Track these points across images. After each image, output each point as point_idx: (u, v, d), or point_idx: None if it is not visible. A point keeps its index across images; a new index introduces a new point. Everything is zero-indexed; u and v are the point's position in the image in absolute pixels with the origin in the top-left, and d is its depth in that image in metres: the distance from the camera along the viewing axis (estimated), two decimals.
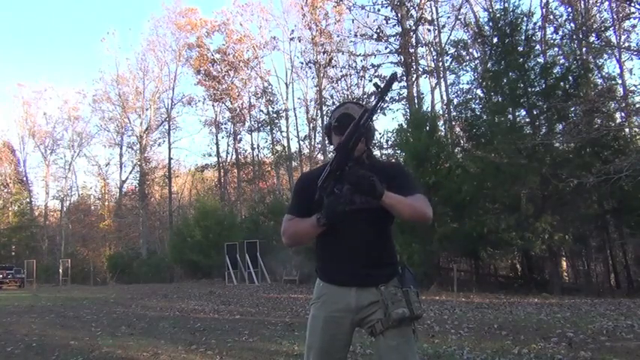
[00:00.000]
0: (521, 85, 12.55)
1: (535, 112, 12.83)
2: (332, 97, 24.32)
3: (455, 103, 17.14)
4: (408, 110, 16.64)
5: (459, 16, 19.89)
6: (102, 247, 33.46)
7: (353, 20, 22.11)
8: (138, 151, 31.11)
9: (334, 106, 2.02)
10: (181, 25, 29.64)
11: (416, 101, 18.30)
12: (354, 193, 1.65)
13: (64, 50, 57.30)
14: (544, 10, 15.83)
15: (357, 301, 1.73)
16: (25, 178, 36.15)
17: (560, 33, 15.36)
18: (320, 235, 1.84)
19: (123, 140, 32.85)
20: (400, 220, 1.78)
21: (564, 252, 14.04)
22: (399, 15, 18.17)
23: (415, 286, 1.72)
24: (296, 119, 27.50)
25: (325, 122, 2.03)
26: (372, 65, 20.33)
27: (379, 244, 1.79)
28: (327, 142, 2.10)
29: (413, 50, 19.04)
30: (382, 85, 1.60)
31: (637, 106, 12.29)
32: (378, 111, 1.72)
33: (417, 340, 1.77)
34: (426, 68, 20.45)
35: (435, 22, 20.10)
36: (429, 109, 19.86)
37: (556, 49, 14.92)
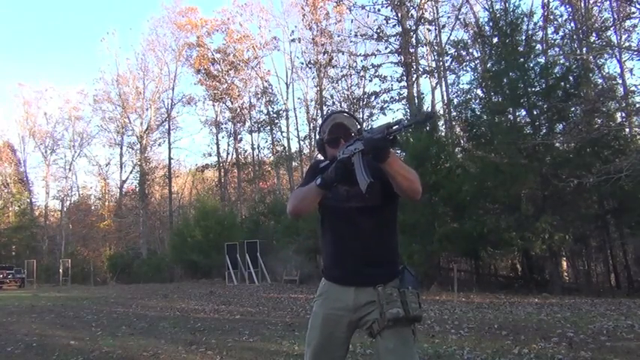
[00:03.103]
0: (522, 85, 12.53)
1: (535, 112, 12.81)
2: (332, 97, 24.31)
3: (455, 103, 17.11)
4: (408, 110, 16.60)
5: (459, 16, 19.88)
6: (102, 247, 33.46)
7: (352, 20, 22.12)
8: (138, 151, 31.09)
9: (322, 120, 1.98)
10: (181, 25, 29.61)
11: (416, 101, 18.29)
12: (366, 153, 1.59)
13: (64, 50, 57.40)
14: (544, 9, 15.82)
15: (354, 300, 1.74)
16: (25, 178, 36.13)
17: (561, 33, 15.36)
18: (323, 233, 1.88)
19: (123, 140, 32.88)
20: (398, 192, 1.69)
21: (564, 252, 14.02)
22: (399, 15, 18.17)
23: (415, 287, 1.71)
24: (296, 119, 27.43)
25: (316, 138, 2.03)
26: (373, 65, 20.33)
27: (379, 243, 1.79)
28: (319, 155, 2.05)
29: (413, 50, 19.03)
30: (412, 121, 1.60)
31: (637, 106, 12.28)
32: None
33: (416, 341, 1.76)
34: (426, 68, 20.44)
35: (435, 22, 20.08)
36: (430, 109, 19.85)
37: (556, 48, 14.90)
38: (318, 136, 1.96)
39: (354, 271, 1.75)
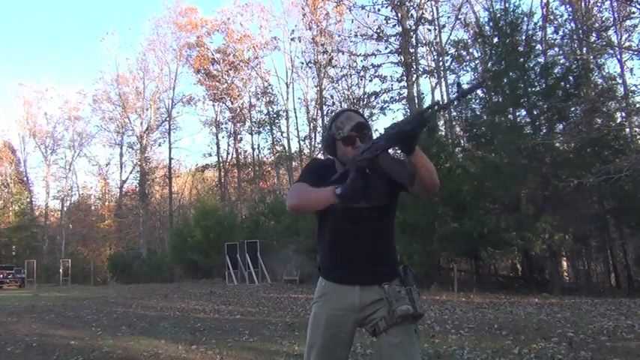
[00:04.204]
0: (522, 85, 12.53)
1: (535, 112, 12.81)
2: (332, 97, 24.33)
3: (455, 103, 17.10)
4: (408, 110, 16.59)
5: (459, 16, 19.90)
6: (102, 247, 33.47)
7: (353, 20, 22.12)
8: (138, 151, 31.10)
9: (332, 116, 1.91)
10: (182, 25, 29.63)
11: (416, 101, 18.28)
12: (393, 143, 1.52)
13: (65, 50, 57.39)
14: (544, 9, 15.83)
15: (360, 300, 1.74)
16: (25, 178, 36.15)
17: (561, 33, 15.37)
18: (322, 233, 1.86)
19: (123, 140, 32.93)
20: (416, 187, 1.63)
21: (564, 252, 14.03)
22: (399, 15, 18.15)
23: (417, 286, 1.73)
24: (296, 119, 27.45)
25: (324, 134, 1.92)
26: (373, 65, 20.31)
27: (382, 242, 1.80)
28: (322, 153, 1.94)
29: (413, 50, 19.02)
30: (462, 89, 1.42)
31: (637, 105, 12.30)
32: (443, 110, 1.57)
33: (418, 339, 1.77)
34: (426, 68, 20.44)
35: (435, 22, 20.09)
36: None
37: (556, 48, 14.92)
38: (327, 133, 1.87)
39: (358, 270, 1.74)
